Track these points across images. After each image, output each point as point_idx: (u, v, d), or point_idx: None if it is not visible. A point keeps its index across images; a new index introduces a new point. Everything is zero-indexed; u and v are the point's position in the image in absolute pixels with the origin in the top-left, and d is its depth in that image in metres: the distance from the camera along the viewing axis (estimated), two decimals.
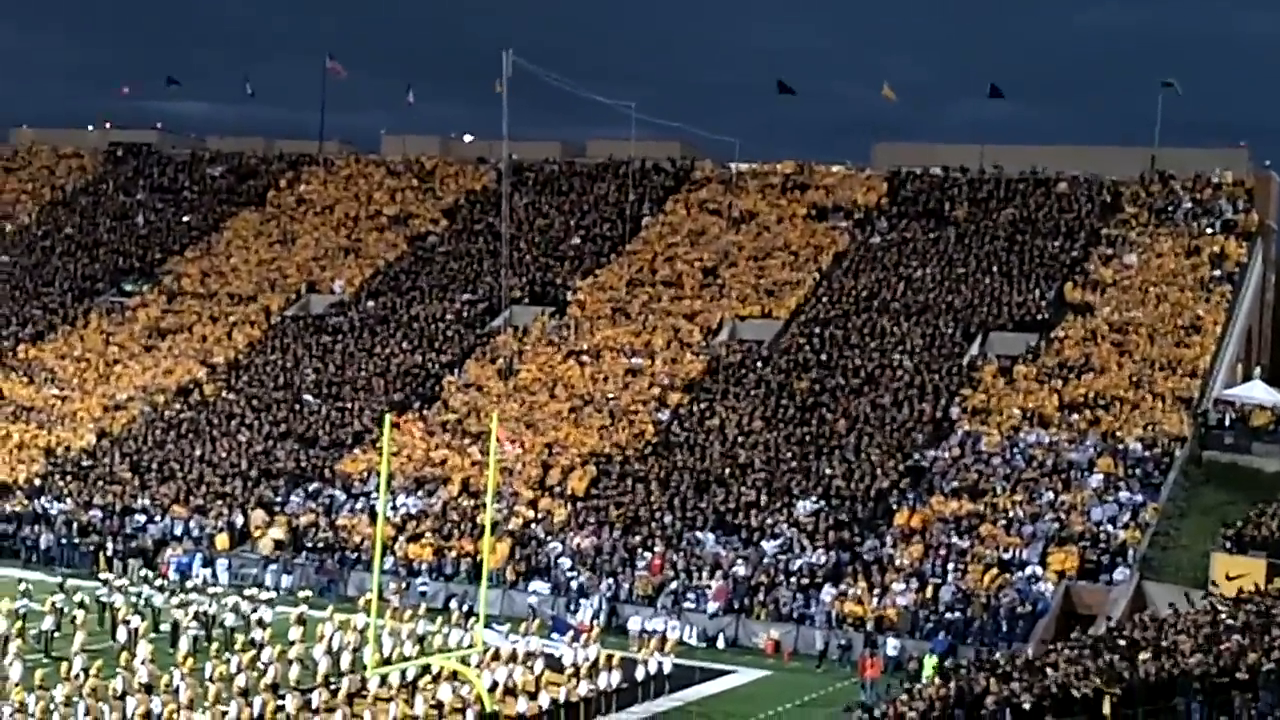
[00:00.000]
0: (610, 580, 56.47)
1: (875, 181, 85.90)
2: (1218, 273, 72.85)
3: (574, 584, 56.69)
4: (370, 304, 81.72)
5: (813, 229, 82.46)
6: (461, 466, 64.50)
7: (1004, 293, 73.47)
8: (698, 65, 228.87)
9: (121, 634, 46.06)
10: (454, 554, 58.99)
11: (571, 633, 48.67)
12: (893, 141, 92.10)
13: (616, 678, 43.52)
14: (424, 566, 58.70)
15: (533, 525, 60.41)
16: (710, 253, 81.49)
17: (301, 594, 52.29)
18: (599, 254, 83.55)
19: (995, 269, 75.57)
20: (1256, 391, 64.37)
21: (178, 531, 62.71)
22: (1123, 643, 36.36)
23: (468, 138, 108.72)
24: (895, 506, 58.70)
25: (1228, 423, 62.46)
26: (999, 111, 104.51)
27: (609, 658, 44.27)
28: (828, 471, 61.11)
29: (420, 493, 63.41)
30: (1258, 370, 70.05)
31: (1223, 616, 38.91)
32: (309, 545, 61.01)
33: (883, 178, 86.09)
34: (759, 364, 70.67)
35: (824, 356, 70.29)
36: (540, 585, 57.06)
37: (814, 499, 59.50)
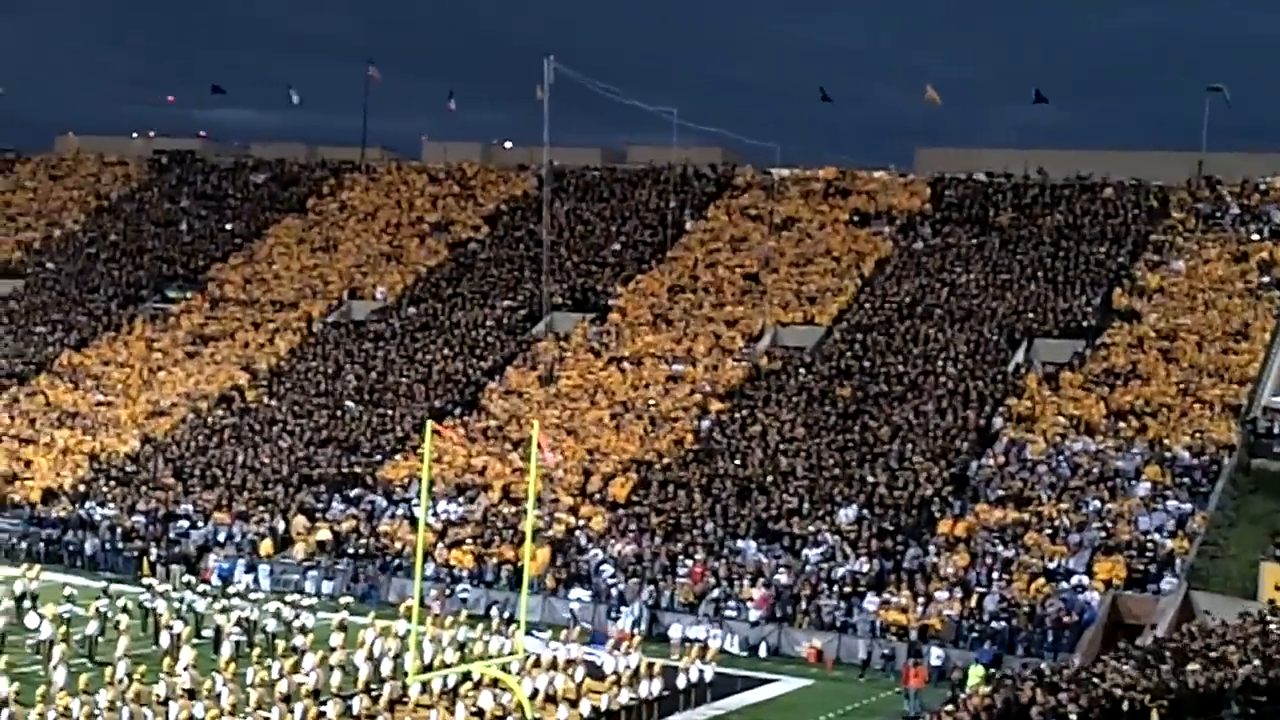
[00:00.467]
0: (651, 588, 56.24)
1: (918, 187, 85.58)
2: (1266, 279, 72.04)
3: (614, 591, 56.50)
4: (411, 310, 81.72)
5: (855, 235, 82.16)
6: (502, 473, 64.38)
7: (1049, 299, 72.94)
8: (739, 68, 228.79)
9: (165, 639, 46.14)
10: (495, 561, 58.87)
11: (611, 642, 48.39)
12: (936, 146, 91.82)
13: (658, 686, 43.30)
14: (465, 573, 58.60)
15: (575, 533, 60.24)
16: (752, 259, 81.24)
17: (343, 600, 52.28)
18: (640, 260, 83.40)
19: (1040, 275, 75.03)
20: None
21: (220, 537, 62.81)
22: (1170, 653, 35.95)
23: (508, 144, 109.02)
24: (939, 515, 58.27)
25: (1276, 430, 61.78)
26: (1044, 116, 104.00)
27: (650, 666, 44.07)
28: (870, 479, 60.71)
29: (461, 499, 63.30)
30: None
31: (1272, 627, 38.46)
32: (350, 552, 60.98)
33: (926, 183, 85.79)
34: (801, 371, 70.33)
35: (866, 363, 69.89)
36: (581, 592, 56.90)
37: (857, 507, 59.10)
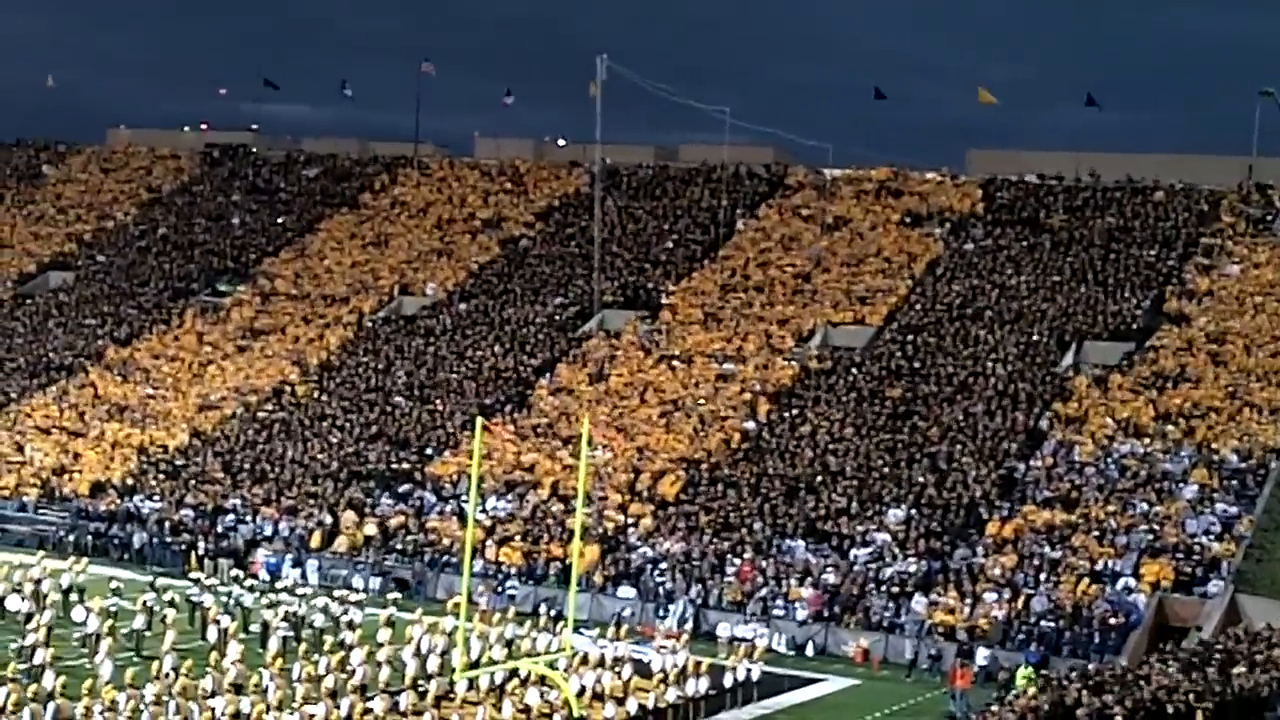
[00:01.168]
0: (699, 586, 56.30)
1: (970, 188, 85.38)
2: None
3: (662, 589, 56.57)
4: (462, 307, 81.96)
5: (906, 235, 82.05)
6: (552, 470, 64.50)
7: (1099, 301, 72.77)
8: (793, 68, 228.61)
9: (212, 633, 46.37)
10: (543, 558, 59.01)
11: (659, 640, 48.49)
12: (988, 148, 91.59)
13: (705, 684, 43.42)
14: (513, 570, 58.75)
15: (624, 530, 60.28)
16: (803, 258, 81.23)
17: (390, 596, 52.48)
18: (691, 259, 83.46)
19: (1090, 277, 74.88)
20: None
21: (268, 532, 63.09)
22: (1217, 655, 35.90)
23: (561, 141, 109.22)
24: (987, 516, 58.17)
25: None
26: (1096, 119, 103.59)
27: (697, 664, 44.19)
28: (919, 480, 60.68)
29: (510, 496, 63.45)
30: None
31: None
32: (399, 548, 61.17)
33: (977, 185, 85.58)
34: (851, 371, 70.29)
35: (916, 364, 69.84)
36: (629, 590, 56.97)
37: (905, 507, 59.10)
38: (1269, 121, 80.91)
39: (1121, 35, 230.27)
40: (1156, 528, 55.67)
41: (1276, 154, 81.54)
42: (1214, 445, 60.34)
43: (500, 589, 56.69)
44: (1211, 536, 55.00)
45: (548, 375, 73.88)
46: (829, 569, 56.24)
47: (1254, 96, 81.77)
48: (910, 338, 72.15)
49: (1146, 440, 61.42)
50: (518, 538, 60.30)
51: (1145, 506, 56.99)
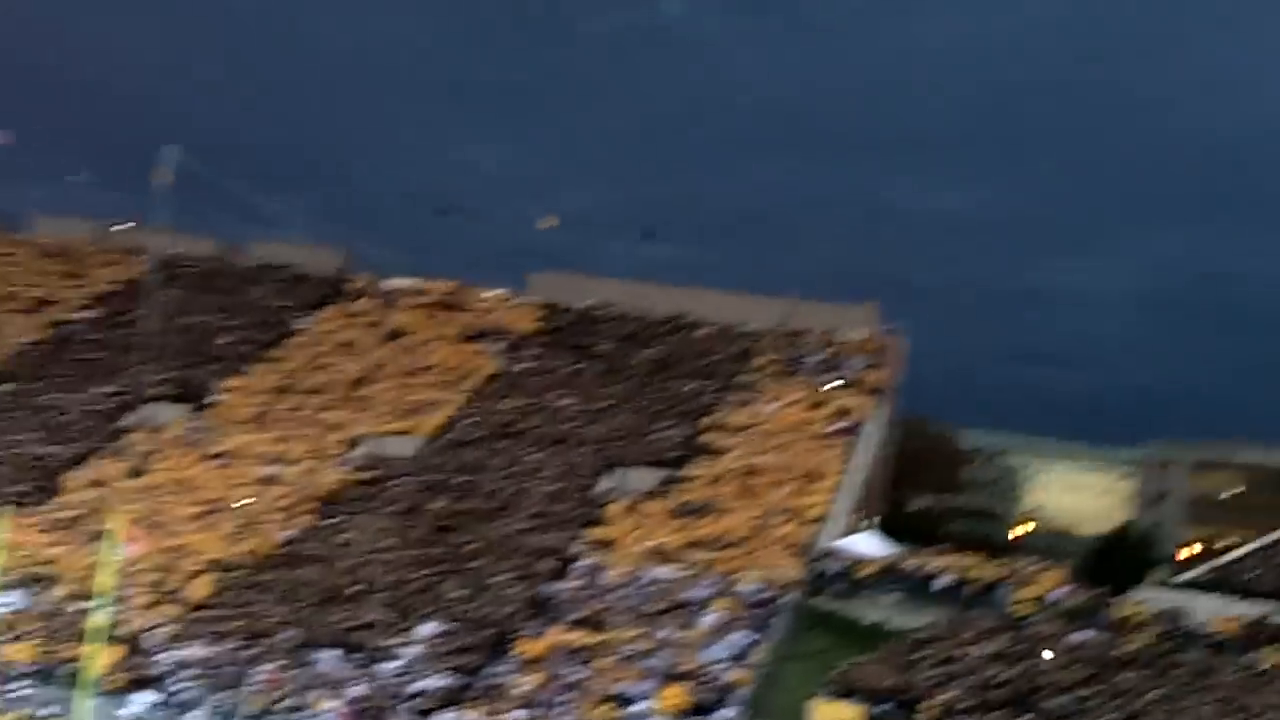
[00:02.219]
0: (223, 693, 55.52)
1: (528, 309, 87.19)
2: (841, 425, 75.49)
3: (183, 696, 55.57)
4: (2, 388, 79.56)
5: (463, 351, 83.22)
6: (75, 565, 62.75)
7: (640, 429, 75.03)
8: (369, 175, 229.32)
9: None
10: (59, 658, 57.19)
11: None
12: (550, 270, 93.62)
13: None
14: (25, 670, 56.73)
15: (148, 632, 59.04)
16: (359, 365, 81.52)
17: None
18: (247, 357, 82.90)
19: (633, 405, 77.21)
20: (865, 543, 66.53)
21: None
22: None
23: (125, 226, 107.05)
24: (518, 634, 59.03)
25: (838, 571, 64.33)
26: (657, 250, 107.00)
27: None
28: (454, 595, 61.29)
29: (28, 590, 61.39)
30: (866, 523, 72.44)
31: None
32: None
33: (536, 306, 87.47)
34: (397, 481, 70.72)
35: (462, 479, 70.73)
36: (150, 696, 55.76)
37: (438, 622, 59.51)
38: (808, 265, 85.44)
39: (684, 170, 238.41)
40: (677, 653, 57.28)
41: (815, 298, 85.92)
42: (736, 575, 62.54)
43: (9, 690, 54.79)
44: (727, 664, 56.85)
45: (84, 465, 72.15)
46: (358, 681, 56.14)
47: (800, 241, 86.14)
48: (458, 452, 73.06)
49: (674, 566, 63.33)
50: (32, 636, 58.30)
51: (668, 632, 58.61)
